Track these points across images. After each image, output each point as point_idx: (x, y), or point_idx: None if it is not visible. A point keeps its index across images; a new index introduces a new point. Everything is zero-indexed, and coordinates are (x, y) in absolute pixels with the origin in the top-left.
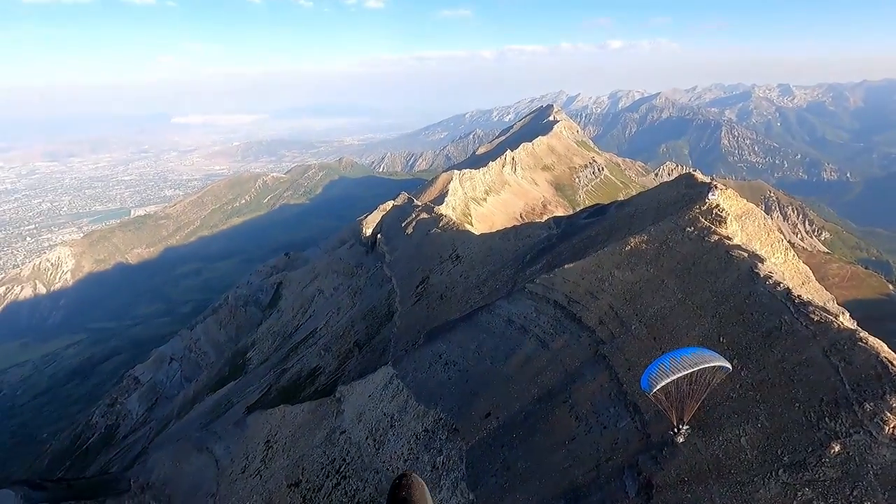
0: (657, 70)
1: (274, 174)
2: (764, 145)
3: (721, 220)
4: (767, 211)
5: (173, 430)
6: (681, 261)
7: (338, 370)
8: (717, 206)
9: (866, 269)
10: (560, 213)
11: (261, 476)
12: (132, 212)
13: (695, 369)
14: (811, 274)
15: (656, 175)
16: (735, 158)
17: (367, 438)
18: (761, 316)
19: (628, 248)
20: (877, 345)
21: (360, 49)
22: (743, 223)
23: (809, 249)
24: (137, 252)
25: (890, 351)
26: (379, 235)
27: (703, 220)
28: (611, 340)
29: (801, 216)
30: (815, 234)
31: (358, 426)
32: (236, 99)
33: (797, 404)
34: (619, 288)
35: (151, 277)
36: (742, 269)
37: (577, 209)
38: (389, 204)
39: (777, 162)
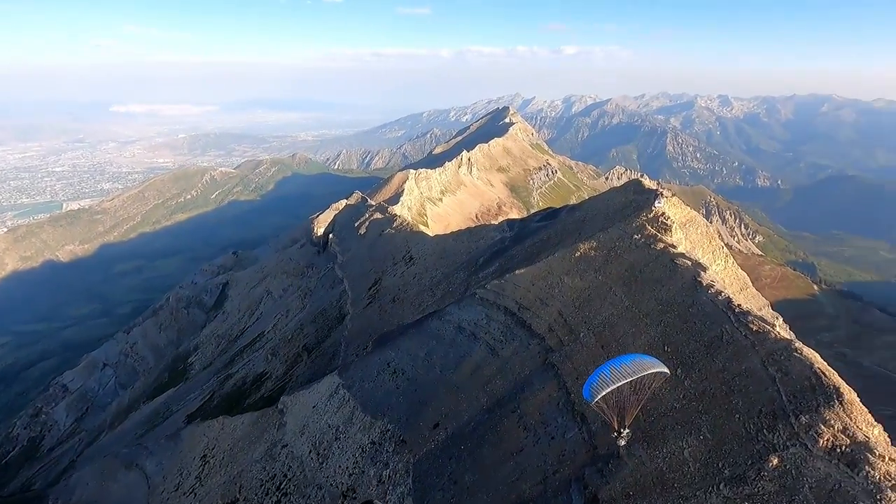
0: (608, 77)
1: (223, 169)
2: (705, 152)
3: (666, 228)
4: (708, 215)
5: (105, 442)
6: (628, 268)
7: (285, 376)
8: (663, 213)
9: (794, 270)
10: (515, 214)
11: (195, 494)
12: (64, 205)
13: (634, 377)
14: (748, 280)
15: (607, 179)
16: (679, 164)
17: (310, 452)
18: (704, 325)
19: (578, 254)
20: (811, 355)
21: (317, 43)
22: (687, 231)
23: (745, 252)
24: (70, 249)
25: (823, 362)
26: (331, 235)
27: (649, 227)
28: (560, 348)
29: (737, 220)
30: (750, 237)
31: (301, 439)
32: (183, 89)
33: (737, 415)
34: (568, 295)
35: (86, 276)
36: (686, 278)
37: (532, 211)
38: (342, 203)
39: (717, 168)
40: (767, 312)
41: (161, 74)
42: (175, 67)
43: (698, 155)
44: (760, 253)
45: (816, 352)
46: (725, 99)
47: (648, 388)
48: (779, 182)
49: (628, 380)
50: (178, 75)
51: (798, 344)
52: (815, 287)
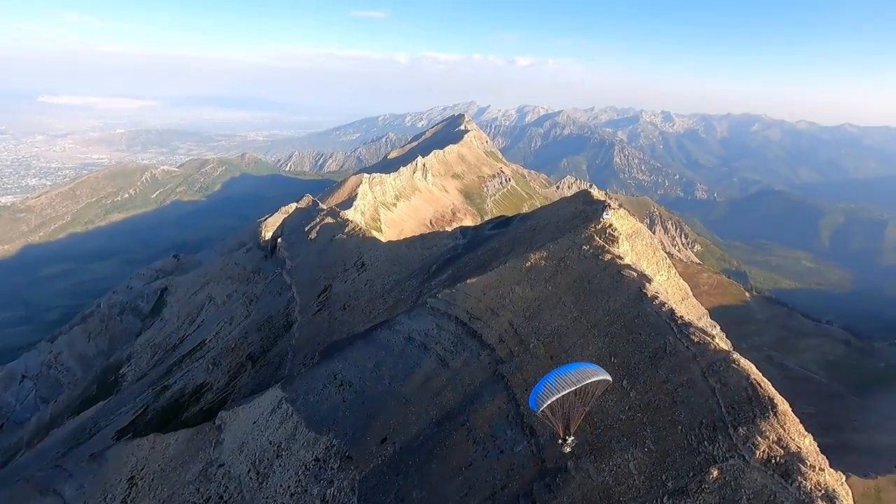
0: (560, 89)
1: (165, 167)
2: (649, 165)
3: (613, 240)
4: (651, 225)
5: (21, 463)
6: (577, 279)
7: (227, 387)
8: (611, 225)
9: (729, 278)
10: (469, 221)
11: None
12: None
13: (578, 386)
14: (689, 290)
15: (557, 188)
16: (625, 175)
17: (248, 472)
18: (648, 336)
19: (528, 264)
20: (747, 367)
21: (269, 41)
22: (633, 242)
23: (685, 261)
24: None
25: (758, 372)
26: (280, 239)
27: (597, 238)
28: (510, 359)
29: (678, 230)
30: (689, 246)
31: (239, 458)
32: (123, 81)
33: (680, 427)
34: (518, 305)
35: (6, 279)
36: (632, 289)
37: (486, 217)
38: (293, 206)
39: (660, 180)
40: (706, 322)
41: (98, 65)
42: (115, 58)
43: (643, 167)
44: (699, 262)
45: (748, 357)
46: (668, 115)
47: (593, 396)
48: (715, 195)
49: (573, 388)
50: (117, 66)
51: (735, 355)
52: (748, 294)
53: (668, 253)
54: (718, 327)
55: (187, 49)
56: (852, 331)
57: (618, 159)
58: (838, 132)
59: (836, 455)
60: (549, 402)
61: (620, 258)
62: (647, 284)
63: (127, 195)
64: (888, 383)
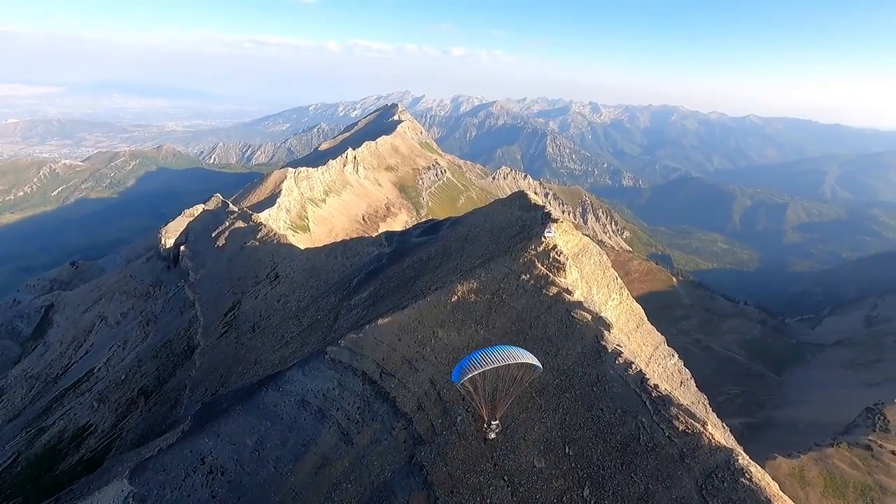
0: (493, 79)
1: (67, 161)
2: (580, 154)
3: (559, 267)
4: (584, 213)
5: None
6: (515, 320)
7: (113, 429)
8: (555, 247)
9: (657, 264)
10: (404, 215)
11: None
12: None
13: (503, 364)
14: (643, 314)
15: (493, 179)
16: (558, 165)
17: None
18: (613, 414)
19: (455, 298)
20: (760, 478)
21: (189, 24)
22: (580, 262)
23: (616, 248)
24: None
25: (781, 494)
26: (183, 247)
27: (539, 265)
28: (431, 439)
29: (608, 217)
30: (619, 233)
31: None
32: (13, 65)
33: None
34: (442, 355)
35: None
36: (586, 339)
37: (421, 212)
38: (199, 208)
39: (590, 169)
40: (663, 350)
41: None
42: (7, 38)
43: (574, 157)
44: (629, 248)
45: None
46: (595, 106)
47: (521, 384)
48: (640, 182)
49: (497, 365)
50: (6, 48)
51: (742, 459)
52: (674, 279)
53: (600, 241)
54: (676, 356)
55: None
56: (766, 309)
57: (550, 149)
58: (744, 122)
59: (760, 433)
60: (471, 375)
61: (569, 292)
62: (606, 333)
63: (21, 193)
64: (800, 359)
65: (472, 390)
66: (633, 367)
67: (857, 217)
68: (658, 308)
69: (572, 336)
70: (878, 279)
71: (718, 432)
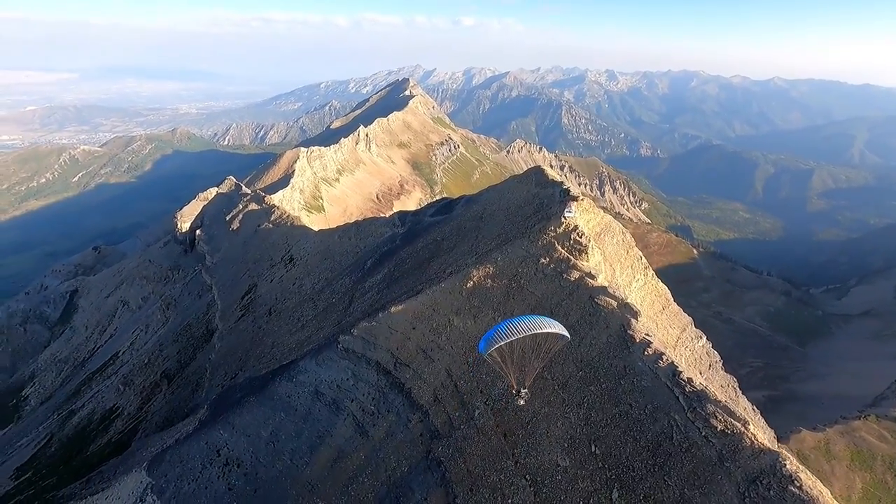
0: (506, 49)
1: (85, 147)
2: (596, 124)
3: (580, 250)
4: (601, 185)
5: None
6: (535, 307)
7: (139, 412)
8: (576, 228)
9: (677, 235)
10: (418, 192)
11: None
12: None
13: (529, 334)
14: (669, 295)
15: (508, 153)
16: (573, 136)
17: None
18: (643, 411)
19: (470, 284)
20: (811, 486)
21: (198, 4)
22: (602, 243)
23: (635, 220)
24: None
25: (828, 496)
26: (198, 231)
27: (559, 247)
28: (448, 433)
29: (626, 189)
30: (637, 205)
31: None
32: (28, 52)
33: None
34: (459, 345)
35: None
36: (612, 328)
37: (435, 188)
38: (213, 191)
39: (606, 140)
40: (691, 333)
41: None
42: (15, 26)
43: (590, 127)
44: (647, 220)
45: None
46: (612, 74)
47: (549, 352)
48: (658, 151)
49: (524, 335)
50: (19, 36)
51: (790, 464)
52: (695, 251)
53: (618, 213)
54: (704, 338)
55: (104, 16)
56: (790, 280)
57: (565, 120)
58: (768, 86)
59: (785, 407)
60: (498, 345)
61: (592, 277)
62: (633, 321)
63: (44, 180)
64: (825, 331)
65: (499, 360)
66: (664, 358)
67: (887, 182)
68: (678, 281)
69: (596, 324)
70: None
71: (761, 432)
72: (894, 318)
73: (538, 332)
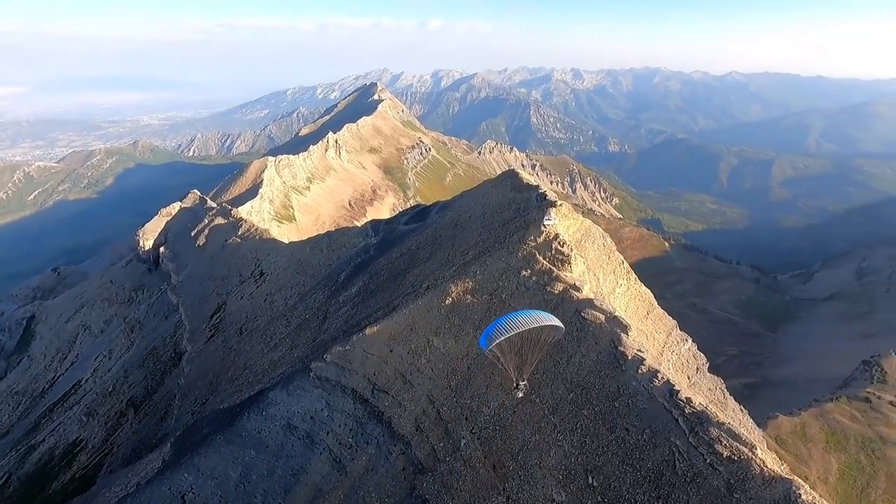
0: (472, 51)
1: (41, 163)
2: (564, 122)
3: (563, 260)
4: (572, 183)
5: None
6: None
7: (105, 444)
8: (556, 237)
9: (648, 229)
10: (391, 198)
11: None
12: None
13: (527, 328)
14: (653, 299)
15: (479, 154)
16: (543, 135)
17: None
18: (641, 436)
19: (449, 300)
20: None
21: (157, 12)
22: (583, 249)
23: (606, 216)
24: None
25: None
26: (162, 249)
27: (540, 258)
28: (433, 466)
29: (597, 185)
30: (609, 200)
31: None
32: None
33: None
34: (440, 367)
35: None
36: (601, 344)
37: (408, 193)
38: (176, 206)
39: (575, 137)
40: (676, 336)
41: None
42: None
43: (559, 125)
44: (619, 216)
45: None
46: (577, 72)
47: (546, 344)
48: (625, 147)
49: (522, 329)
50: None
51: (806, 494)
52: (667, 244)
53: (590, 210)
54: (689, 340)
55: (54, 26)
56: (758, 268)
57: (534, 119)
58: (727, 80)
59: (761, 393)
60: (498, 341)
61: (576, 288)
62: (623, 337)
63: None
64: (794, 315)
65: (499, 355)
66: (659, 376)
67: (843, 169)
68: (652, 274)
69: (585, 341)
70: (865, 231)
71: (770, 457)
72: (858, 300)
73: (536, 325)
